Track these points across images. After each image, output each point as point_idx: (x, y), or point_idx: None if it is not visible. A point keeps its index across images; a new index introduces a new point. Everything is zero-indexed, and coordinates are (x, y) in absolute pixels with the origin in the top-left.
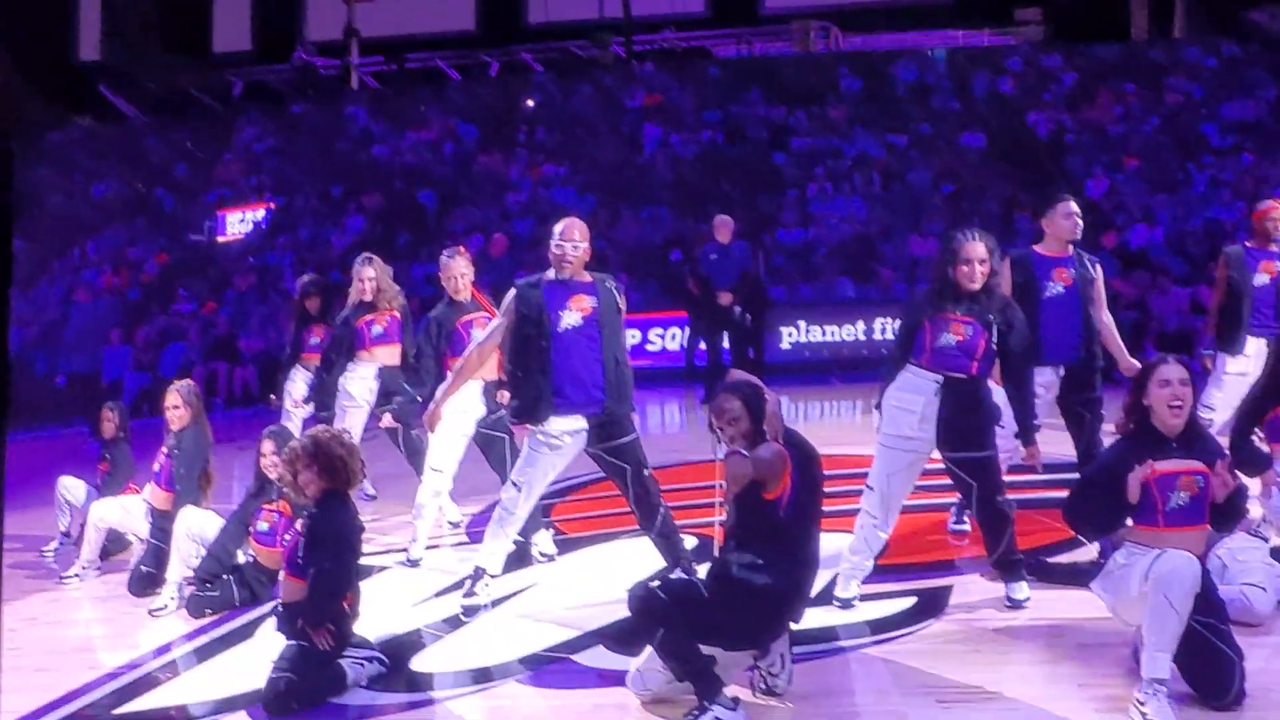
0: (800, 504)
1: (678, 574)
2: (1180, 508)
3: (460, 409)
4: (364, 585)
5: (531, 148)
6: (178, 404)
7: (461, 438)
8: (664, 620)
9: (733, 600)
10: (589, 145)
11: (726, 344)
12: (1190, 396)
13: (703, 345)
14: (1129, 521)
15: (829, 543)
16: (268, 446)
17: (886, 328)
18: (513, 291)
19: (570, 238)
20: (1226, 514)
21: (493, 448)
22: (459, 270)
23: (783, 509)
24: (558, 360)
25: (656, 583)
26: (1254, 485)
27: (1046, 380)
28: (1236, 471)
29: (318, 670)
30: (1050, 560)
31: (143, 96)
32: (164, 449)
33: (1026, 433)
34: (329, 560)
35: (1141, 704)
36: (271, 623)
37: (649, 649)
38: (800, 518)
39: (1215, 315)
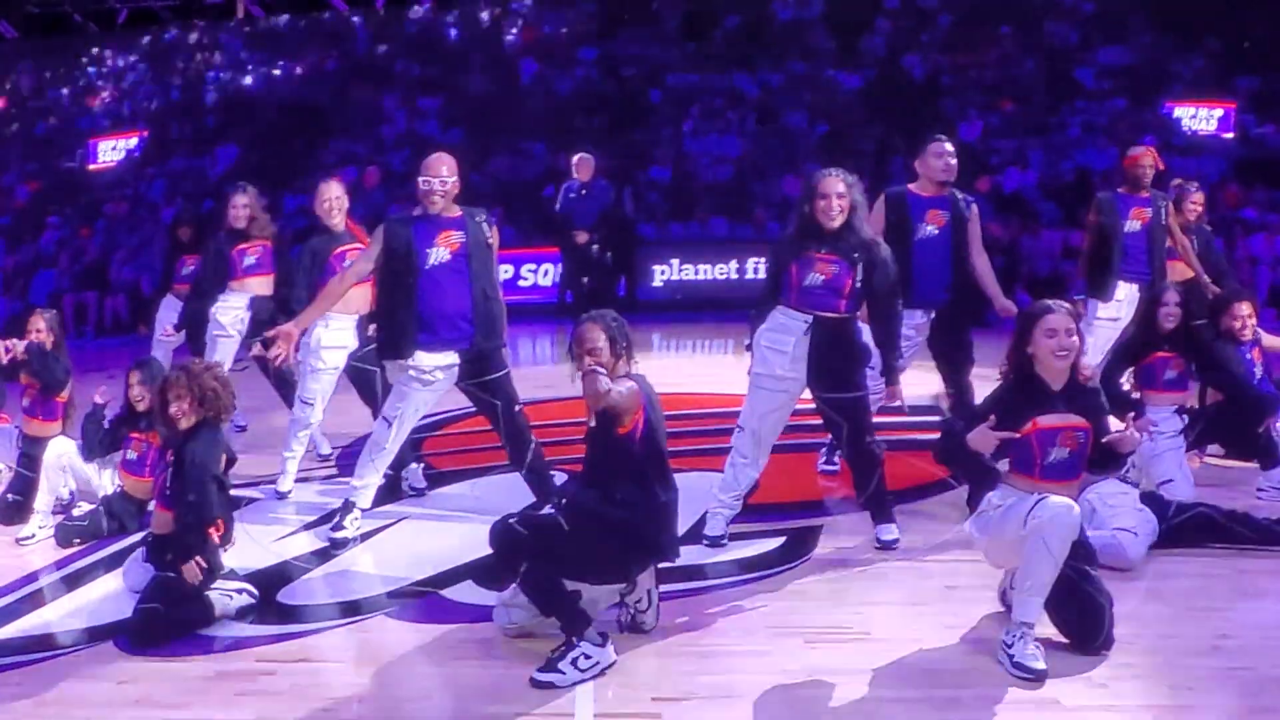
0: (652, 439)
1: (548, 510)
2: (1059, 462)
3: (331, 343)
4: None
5: (407, 80)
6: (40, 328)
7: (332, 371)
8: (525, 555)
9: (592, 534)
10: (465, 79)
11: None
12: (1076, 345)
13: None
14: (1004, 465)
15: (699, 482)
16: (135, 377)
17: (759, 267)
18: (382, 226)
19: (437, 173)
20: (1106, 461)
21: (364, 381)
22: (335, 193)
23: (636, 444)
24: (426, 296)
25: (516, 518)
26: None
27: (917, 323)
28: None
29: (185, 602)
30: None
31: (20, 16)
32: (23, 378)
33: (891, 371)
34: (196, 493)
35: (1008, 646)
36: (137, 554)
37: (515, 584)
38: (653, 453)
39: (1087, 261)
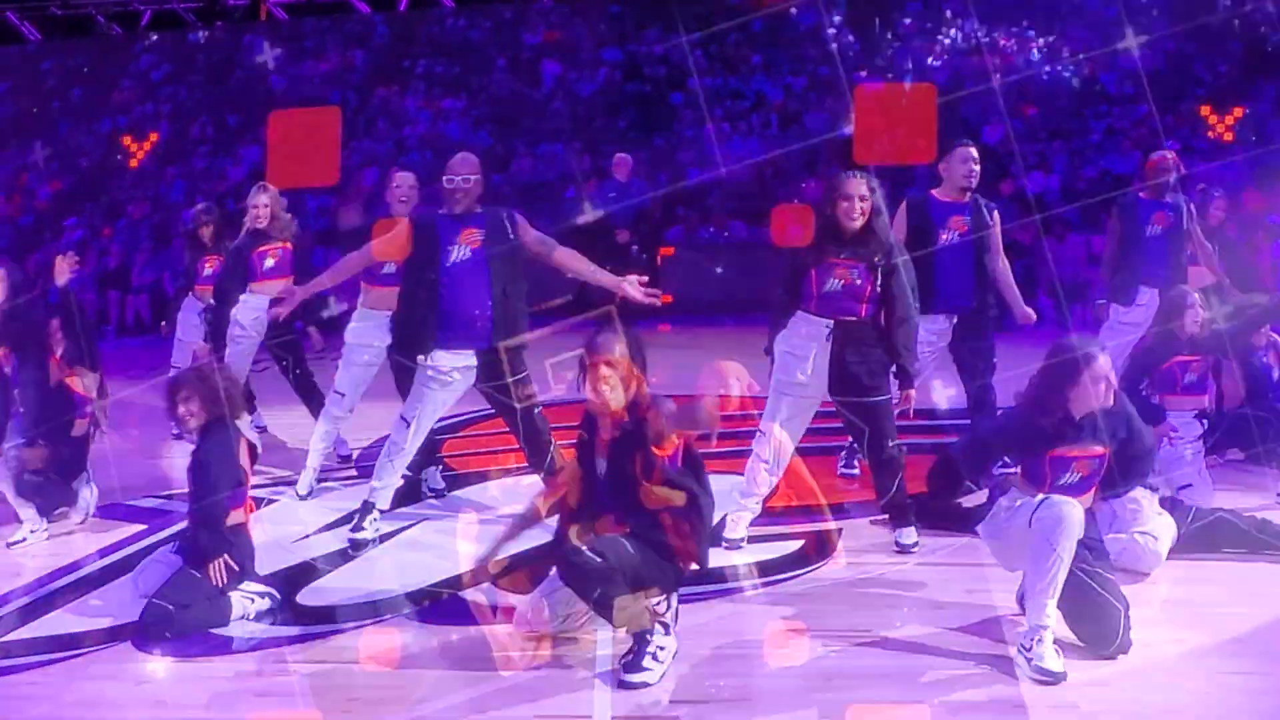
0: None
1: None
2: (1069, 485)
3: (363, 338)
4: (252, 518)
5: (429, 81)
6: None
7: (364, 365)
8: (603, 582)
9: (659, 550)
10: (487, 80)
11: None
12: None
13: None
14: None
15: (719, 484)
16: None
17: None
18: (407, 219)
19: (460, 172)
20: (1118, 482)
21: (407, 377)
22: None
23: (673, 466)
24: (446, 293)
25: (574, 550)
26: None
27: (939, 328)
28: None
29: (201, 600)
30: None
31: (42, 17)
32: None
33: (905, 376)
34: (208, 492)
35: (1026, 649)
36: (155, 555)
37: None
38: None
39: (1108, 266)
